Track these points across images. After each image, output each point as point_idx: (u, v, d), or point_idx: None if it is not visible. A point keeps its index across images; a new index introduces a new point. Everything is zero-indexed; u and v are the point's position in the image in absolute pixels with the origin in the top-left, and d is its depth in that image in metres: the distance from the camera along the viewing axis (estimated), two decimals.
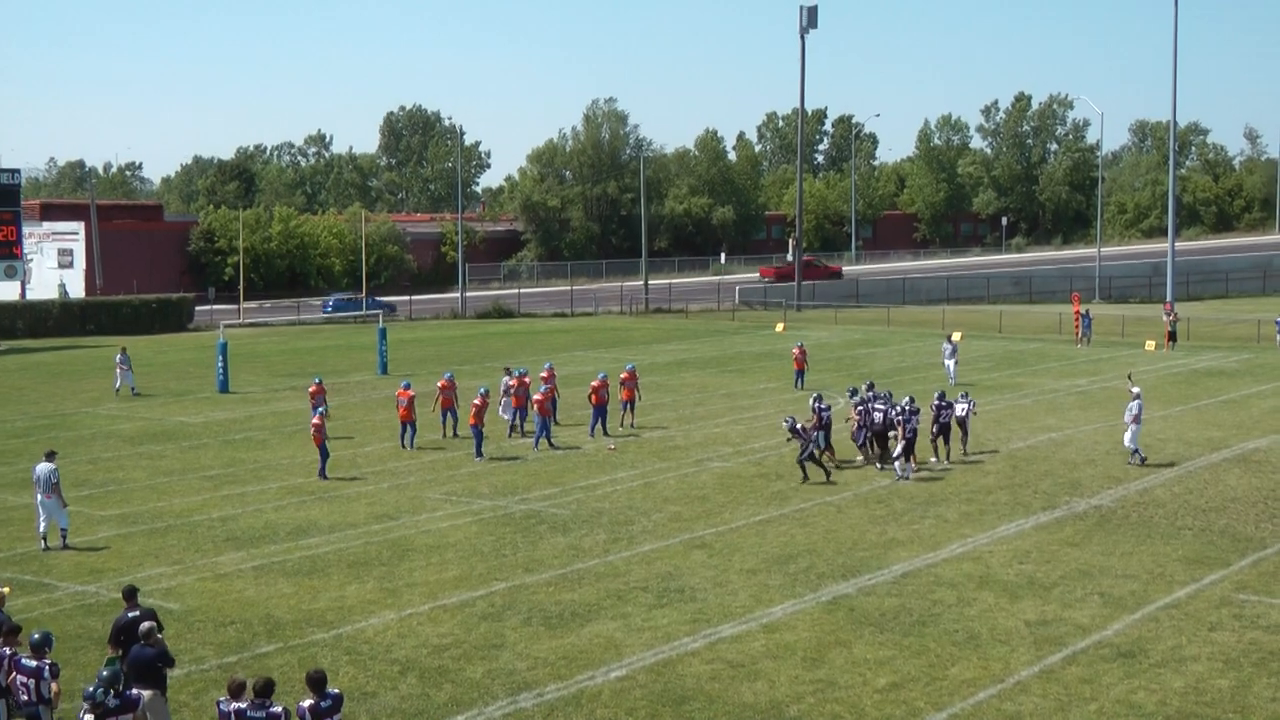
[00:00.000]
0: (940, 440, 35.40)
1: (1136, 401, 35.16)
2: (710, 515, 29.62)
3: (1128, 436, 35.11)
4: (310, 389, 40.20)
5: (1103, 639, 20.94)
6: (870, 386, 37.52)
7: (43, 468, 27.11)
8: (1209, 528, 28.13)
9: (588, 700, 18.59)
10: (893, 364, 57.88)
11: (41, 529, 27.12)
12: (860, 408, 35.63)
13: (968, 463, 35.30)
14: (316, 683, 14.65)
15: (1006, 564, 25.35)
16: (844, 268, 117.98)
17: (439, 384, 40.33)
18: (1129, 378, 42.57)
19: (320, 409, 36.69)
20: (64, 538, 27.15)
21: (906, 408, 33.83)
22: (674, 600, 23.20)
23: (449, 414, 39.71)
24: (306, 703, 14.55)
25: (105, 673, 14.92)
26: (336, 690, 14.88)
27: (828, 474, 33.38)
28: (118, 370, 50.91)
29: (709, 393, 48.29)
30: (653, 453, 37.14)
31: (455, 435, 39.34)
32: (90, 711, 14.52)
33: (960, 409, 36.20)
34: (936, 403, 35.47)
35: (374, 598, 23.55)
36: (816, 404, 35.54)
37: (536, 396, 38.65)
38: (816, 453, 33.51)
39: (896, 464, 33.74)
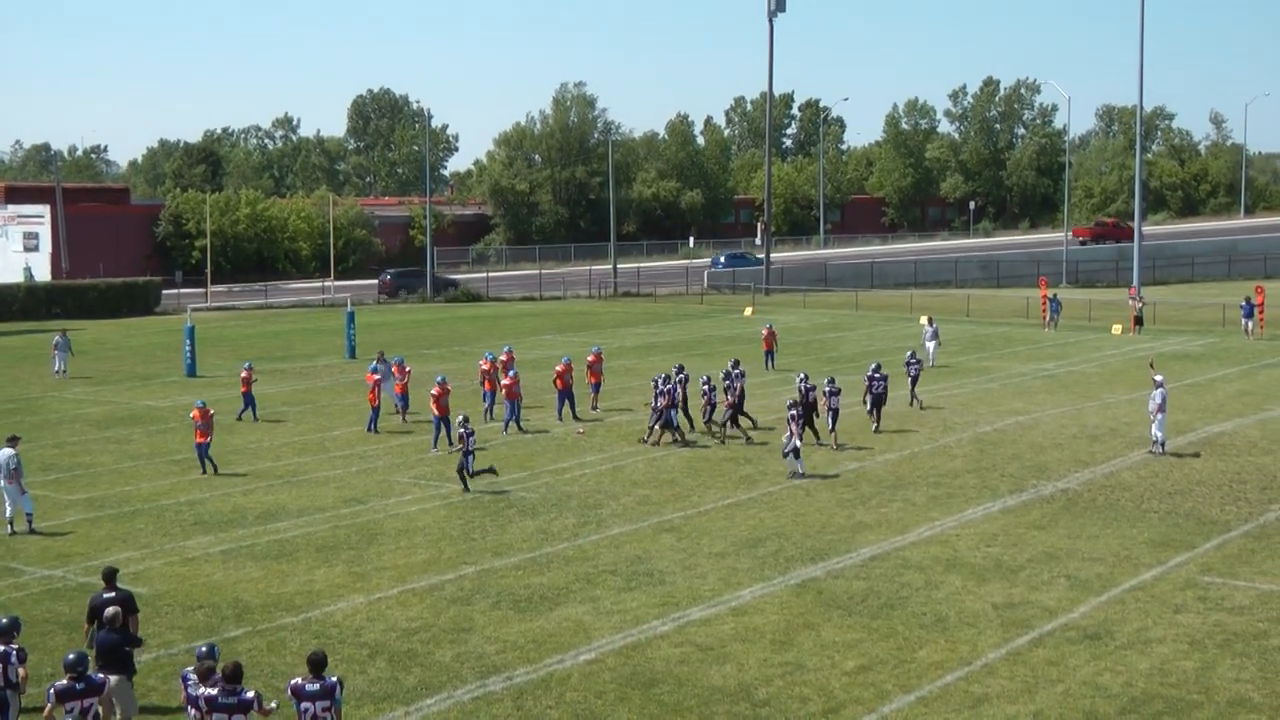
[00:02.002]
0: (876, 410, 37.70)
1: (1160, 391, 34.30)
2: (679, 499, 29.66)
3: (1154, 427, 34.43)
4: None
5: (1069, 621, 21.06)
6: (735, 364, 38.61)
7: (4, 453, 26.96)
8: (1175, 511, 28.29)
9: (557, 683, 18.60)
10: (861, 347, 58.00)
11: (8, 514, 26.99)
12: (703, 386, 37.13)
13: (927, 448, 35.43)
14: (314, 664, 14.60)
15: (974, 547, 25.46)
16: (811, 251, 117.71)
17: (392, 369, 40.20)
18: (1151, 365, 42.04)
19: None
20: (30, 522, 27.02)
21: (829, 387, 35.67)
22: (643, 583, 23.23)
23: (401, 399, 39.73)
24: (294, 681, 14.54)
25: (71, 656, 14.88)
26: (333, 679, 14.71)
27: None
28: (54, 352, 50.77)
29: (796, 378, 48.23)
30: (621, 436, 37.14)
31: (404, 420, 39.31)
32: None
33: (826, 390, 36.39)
34: (870, 374, 37.77)
35: (343, 582, 23.51)
36: (802, 384, 36.27)
37: (505, 381, 38.58)
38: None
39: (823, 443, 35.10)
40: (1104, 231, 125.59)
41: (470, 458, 30.39)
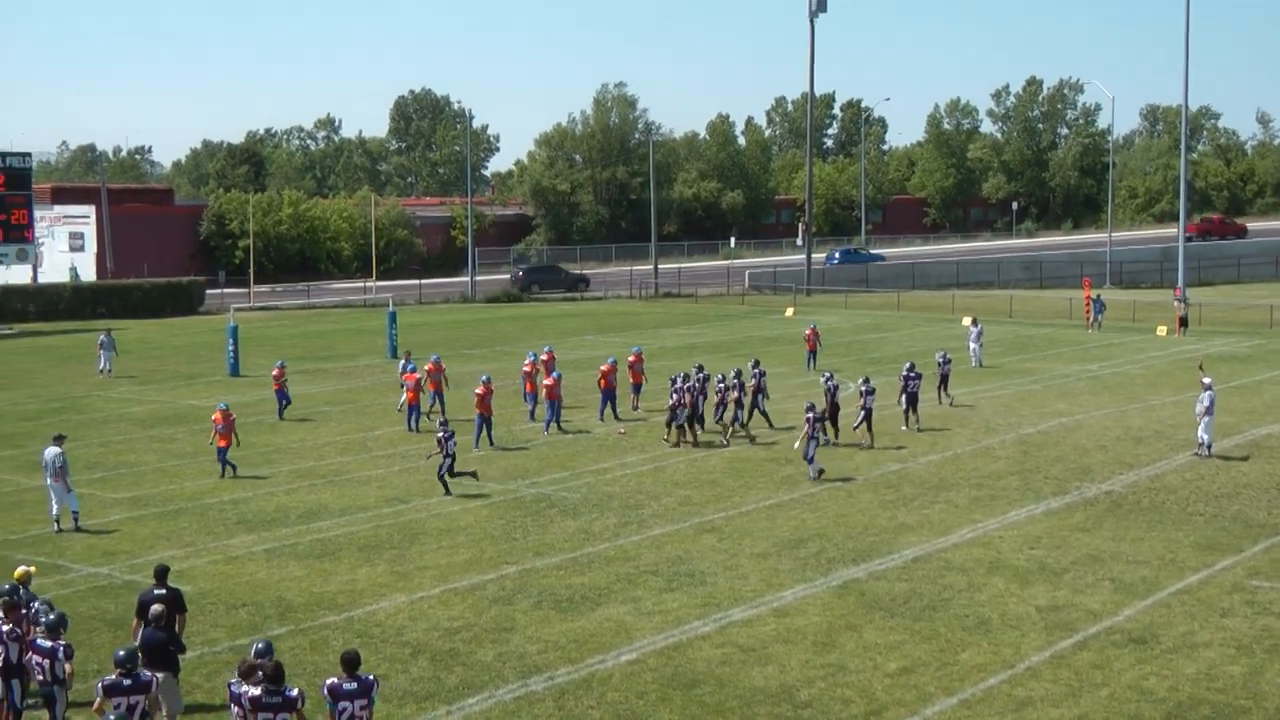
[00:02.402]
0: (912, 409, 37.99)
1: (1208, 393, 33.98)
2: (720, 499, 29.64)
3: (1201, 429, 34.07)
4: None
5: (1114, 625, 20.93)
6: (755, 363, 39.69)
7: (50, 452, 27.21)
8: (1221, 514, 28.08)
9: (598, 683, 18.61)
10: (903, 348, 57.79)
11: (54, 512, 27.21)
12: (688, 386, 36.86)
13: (977, 448, 35.29)
14: (347, 663, 14.64)
15: (1017, 549, 25.34)
16: (869, 250, 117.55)
17: (426, 367, 40.33)
18: (1200, 367, 41.70)
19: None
20: (75, 520, 27.23)
21: (864, 387, 35.61)
22: (684, 584, 23.22)
23: (436, 397, 39.81)
24: (330, 680, 14.57)
25: (121, 652, 14.99)
26: (370, 676, 14.76)
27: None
28: (99, 351, 51.16)
29: (821, 377, 48.11)
30: (662, 437, 37.12)
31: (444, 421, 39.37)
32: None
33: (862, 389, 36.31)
34: (905, 373, 38.14)
35: (385, 581, 23.59)
36: (827, 382, 36.61)
37: (547, 381, 38.64)
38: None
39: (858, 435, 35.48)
40: (1210, 228, 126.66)
41: (450, 460, 30.25)
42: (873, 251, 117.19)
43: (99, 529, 27.37)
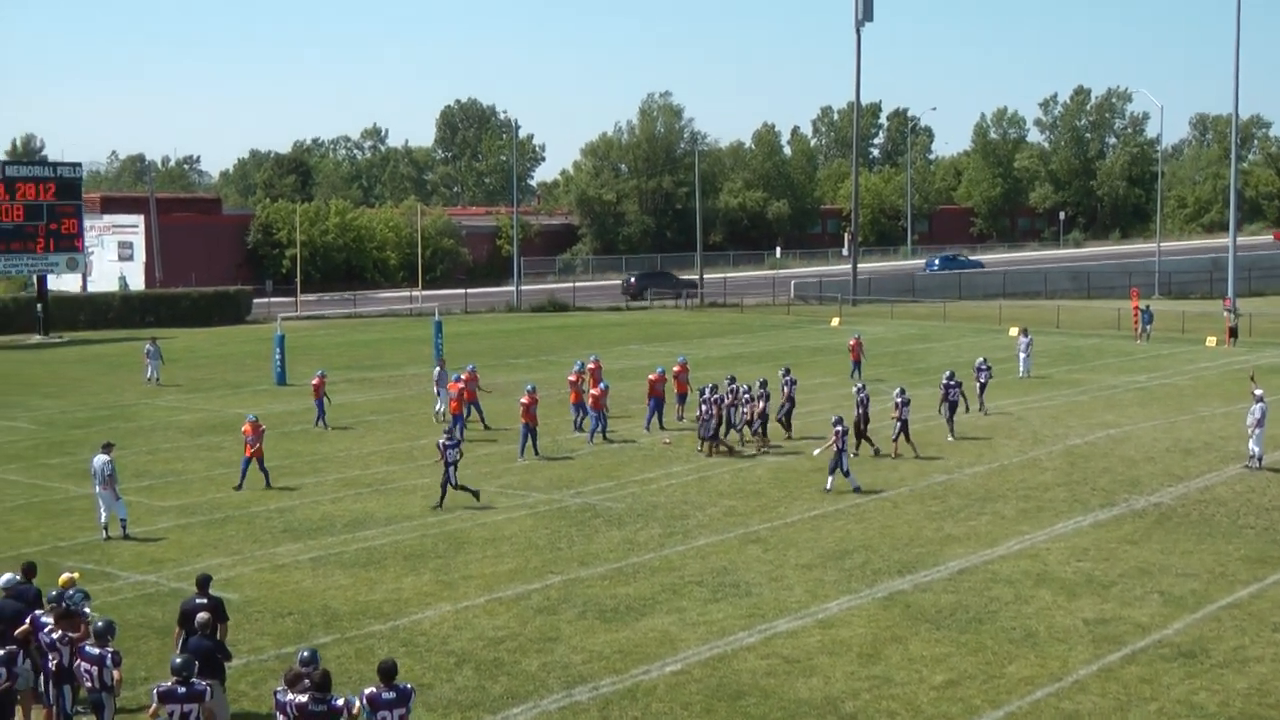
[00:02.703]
0: (952, 418, 38.18)
1: (1260, 405, 33.67)
2: (765, 510, 29.58)
3: (1252, 441, 33.76)
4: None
5: (1163, 638, 20.76)
6: (786, 371, 40.37)
7: (99, 460, 27.43)
8: (1272, 527, 27.81)
9: (643, 694, 18.59)
10: (949, 359, 57.42)
11: (102, 519, 27.42)
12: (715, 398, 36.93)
13: (1024, 460, 35.09)
14: (385, 673, 14.69)
15: (1064, 561, 25.18)
16: (900, 262, 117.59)
17: (462, 376, 40.25)
18: (1252, 379, 41.21)
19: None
20: (124, 528, 27.42)
21: (899, 398, 35.53)
22: (729, 595, 23.18)
23: (473, 406, 39.85)
24: (369, 690, 14.62)
25: (178, 660, 15.08)
26: (407, 685, 14.82)
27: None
28: (146, 360, 51.52)
29: (769, 388, 48.03)
30: (696, 448, 37.03)
31: (487, 428, 39.41)
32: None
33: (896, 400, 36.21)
34: (945, 381, 38.37)
35: (430, 590, 23.65)
36: (859, 394, 36.84)
37: (594, 391, 38.68)
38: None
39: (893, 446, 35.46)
40: None
41: (453, 470, 29.95)
42: (971, 259, 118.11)
43: (146, 536, 27.55)
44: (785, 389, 39.06)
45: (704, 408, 35.96)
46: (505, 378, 51.11)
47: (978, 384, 42.88)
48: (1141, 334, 65.60)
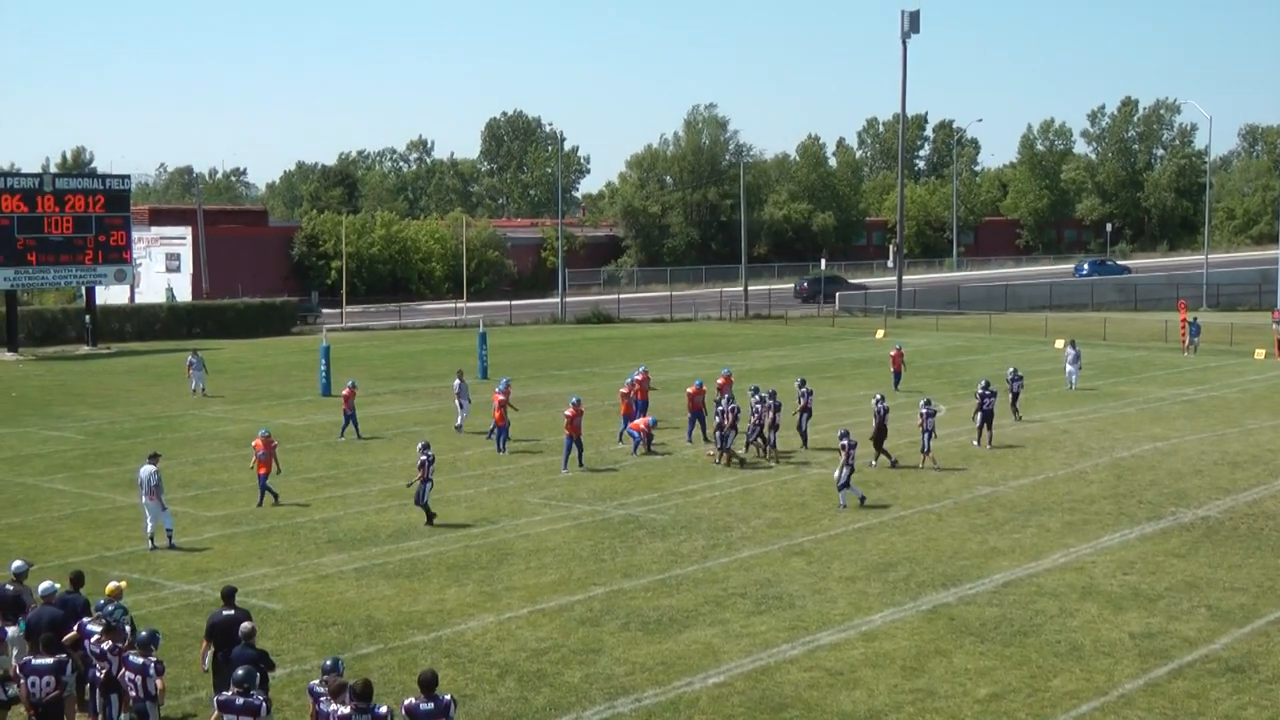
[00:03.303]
0: (984, 427, 38.61)
1: None
2: (809, 522, 29.50)
3: None
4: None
5: (1210, 653, 20.58)
6: (802, 382, 40.86)
7: (145, 470, 27.61)
8: None
9: (685, 706, 18.57)
10: (994, 371, 57.14)
11: (149, 530, 27.59)
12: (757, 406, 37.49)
13: (1069, 472, 34.88)
14: (425, 684, 14.71)
15: (1110, 575, 25.00)
16: (944, 274, 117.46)
17: (503, 388, 40.08)
18: None
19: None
20: (170, 538, 27.59)
21: (925, 409, 35.99)
22: (772, 607, 23.12)
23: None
24: (408, 701, 14.64)
25: (240, 672, 15.15)
26: (447, 696, 14.85)
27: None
28: (189, 372, 51.80)
29: (870, 400, 47.93)
30: (751, 458, 37.01)
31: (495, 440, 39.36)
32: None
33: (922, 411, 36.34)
34: (981, 390, 38.83)
35: (473, 601, 23.69)
36: (877, 405, 36.64)
37: (623, 389, 39.19)
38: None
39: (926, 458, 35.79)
40: None
41: (428, 485, 29.52)
42: (1118, 263, 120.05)
43: (192, 546, 27.71)
44: (801, 399, 39.06)
45: (719, 418, 36.27)
46: (549, 389, 51.19)
47: (1010, 394, 43.30)
48: (1189, 346, 65.13)
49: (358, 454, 38.48)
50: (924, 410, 35.79)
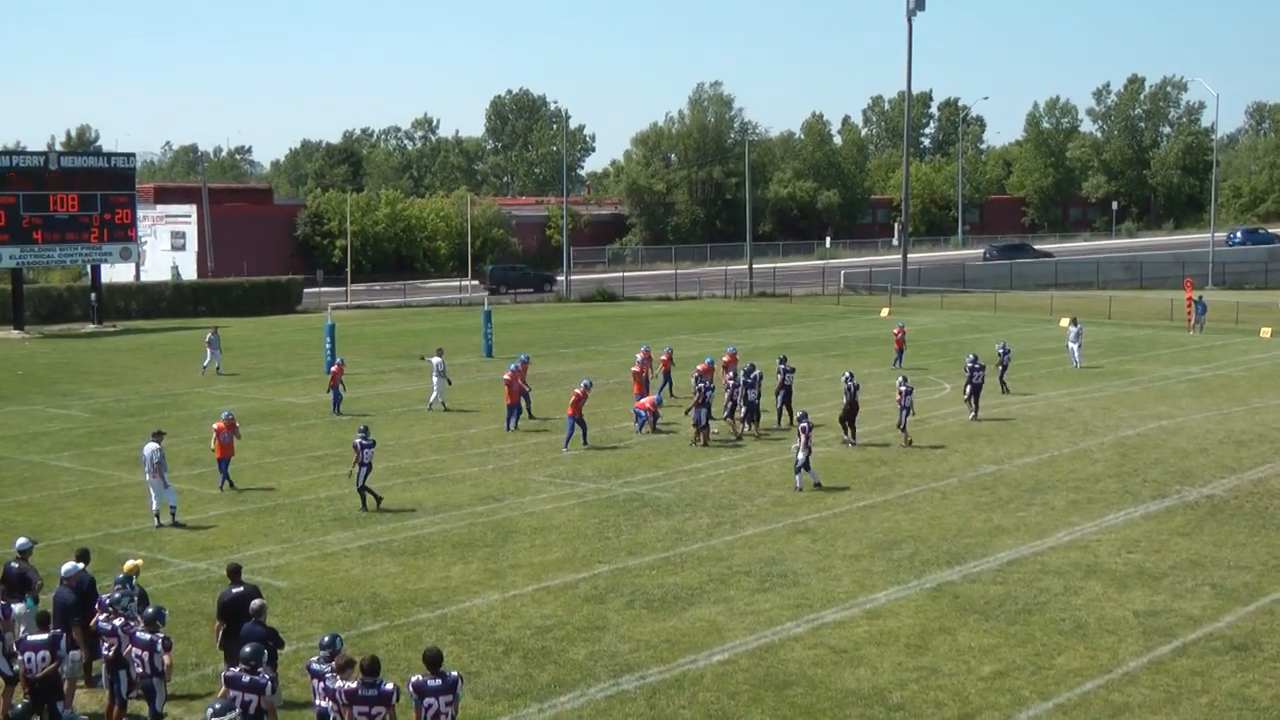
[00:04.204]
0: (974, 399, 39.43)
1: None
2: (813, 500, 29.52)
3: None
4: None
5: (1214, 631, 20.60)
6: (782, 359, 40.62)
7: (149, 448, 27.62)
8: None
9: (690, 683, 18.61)
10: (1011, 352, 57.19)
11: (154, 507, 27.65)
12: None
13: (1075, 450, 34.89)
14: (431, 660, 14.74)
15: (1115, 553, 25.02)
16: (949, 252, 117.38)
17: (515, 366, 40.15)
18: None
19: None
20: (174, 515, 27.63)
21: (903, 386, 35.95)
22: (777, 585, 23.16)
23: (524, 395, 39.85)
24: (415, 678, 14.68)
25: (248, 649, 15.18)
26: (454, 673, 14.90)
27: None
28: (207, 350, 51.76)
29: (813, 377, 47.97)
30: (756, 437, 37.02)
31: (531, 416, 39.37)
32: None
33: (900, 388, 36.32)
34: (969, 365, 39.39)
35: (478, 578, 23.73)
36: (847, 383, 36.42)
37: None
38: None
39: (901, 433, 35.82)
40: None
41: (365, 471, 28.85)
42: (1271, 231, 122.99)
43: (198, 524, 27.77)
44: (781, 377, 39.11)
45: (696, 395, 36.41)
46: (554, 368, 51.17)
47: (1000, 367, 44.21)
48: (1195, 325, 65.08)
49: None
50: (902, 388, 35.74)
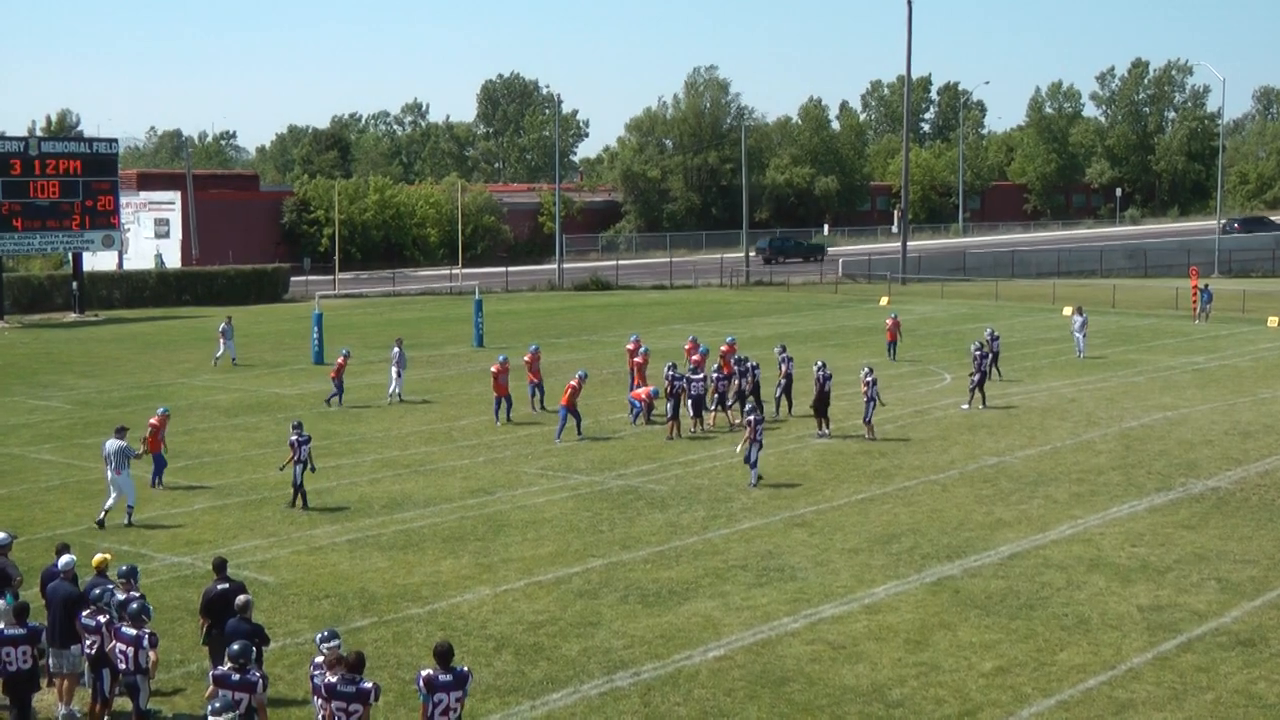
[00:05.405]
0: (979, 388, 39.92)
1: None
2: (811, 493, 29.52)
3: None
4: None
5: (1220, 626, 20.62)
6: (782, 348, 40.77)
7: (111, 444, 27.36)
8: None
9: (685, 680, 18.61)
10: (1001, 339, 57.23)
11: (108, 504, 27.14)
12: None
13: (1077, 442, 34.91)
14: (442, 655, 14.73)
15: (1118, 546, 25.04)
16: (949, 239, 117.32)
17: (525, 358, 40.54)
18: None
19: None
20: (130, 515, 27.20)
21: (868, 377, 35.71)
22: (774, 579, 23.16)
23: (536, 387, 39.93)
24: (426, 671, 14.68)
25: (236, 646, 15.16)
26: (464, 668, 14.93)
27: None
28: (220, 340, 51.52)
29: (811, 367, 47.92)
30: (712, 428, 36.97)
31: (543, 408, 39.48)
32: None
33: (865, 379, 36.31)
34: (976, 352, 40.14)
35: (469, 573, 23.73)
36: (819, 372, 36.46)
37: (637, 359, 39.40)
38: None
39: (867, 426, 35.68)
40: None
41: (301, 468, 28.26)
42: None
43: (181, 519, 27.71)
44: (782, 366, 39.12)
45: (667, 385, 36.58)
46: (547, 358, 51.04)
47: (991, 353, 44.05)
48: (1200, 314, 65.13)
49: (351, 423, 38.49)
50: (867, 378, 35.62)
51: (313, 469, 28.85)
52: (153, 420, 30.88)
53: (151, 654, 16.32)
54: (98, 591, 17.37)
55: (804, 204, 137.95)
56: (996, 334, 45.72)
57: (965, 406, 39.51)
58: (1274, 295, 71.12)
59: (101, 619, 16.86)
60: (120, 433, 27.80)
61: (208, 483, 30.91)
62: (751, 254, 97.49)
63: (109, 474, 27.33)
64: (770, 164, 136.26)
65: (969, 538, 25.75)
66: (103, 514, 27.17)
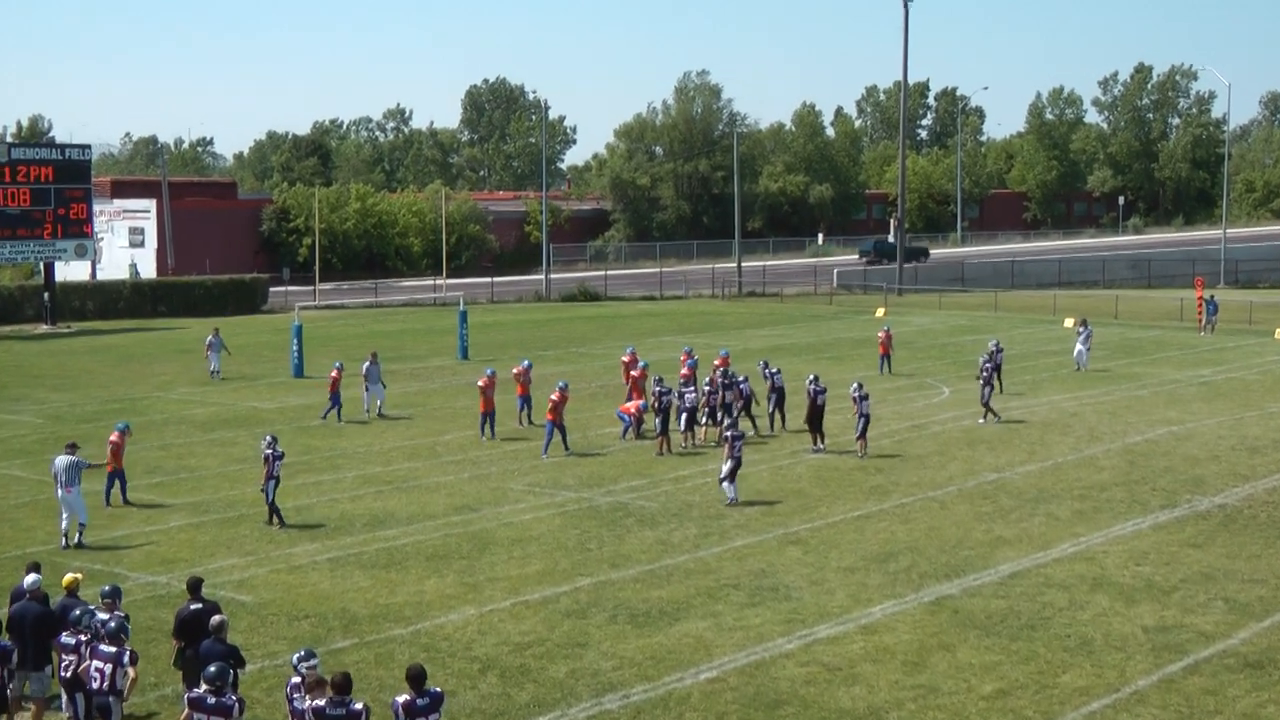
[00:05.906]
0: (988, 403, 40.18)
1: None
2: (806, 510, 29.52)
3: None
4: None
5: (1228, 648, 20.62)
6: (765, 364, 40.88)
7: (61, 460, 27.15)
8: None
9: (676, 703, 18.58)
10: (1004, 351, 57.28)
11: (63, 526, 27.03)
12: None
13: (1079, 457, 34.94)
14: (415, 679, 14.70)
15: (1122, 565, 25.05)
16: (947, 250, 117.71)
17: (515, 370, 40.65)
18: None
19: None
20: (80, 535, 26.95)
21: (857, 393, 35.58)
22: (767, 599, 23.15)
23: (524, 401, 39.92)
24: (402, 698, 14.62)
25: (213, 669, 15.08)
26: (437, 689, 14.92)
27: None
28: (208, 353, 51.34)
29: (801, 380, 47.96)
30: (745, 444, 36.96)
31: (531, 423, 39.47)
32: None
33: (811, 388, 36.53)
34: (986, 364, 40.77)
35: (454, 592, 23.68)
36: (811, 386, 36.63)
37: (634, 373, 39.53)
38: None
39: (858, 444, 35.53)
40: None
41: (273, 484, 28.23)
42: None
43: (156, 537, 27.63)
44: (770, 380, 39.11)
45: (654, 400, 36.52)
46: (534, 371, 51.04)
47: (993, 365, 43.92)
48: (1206, 326, 65.25)
49: (331, 438, 38.45)
50: (856, 394, 35.59)
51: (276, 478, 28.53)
52: (112, 437, 30.65)
53: (130, 671, 16.28)
54: (78, 613, 17.28)
55: (798, 212, 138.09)
56: (1001, 346, 45.76)
57: (981, 421, 39.57)
58: None
59: (82, 638, 16.80)
60: (71, 449, 27.57)
61: (183, 499, 30.86)
62: (855, 257, 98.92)
63: (59, 492, 27.03)
64: (763, 171, 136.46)
65: (968, 556, 25.75)
66: (63, 538, 26.91)
